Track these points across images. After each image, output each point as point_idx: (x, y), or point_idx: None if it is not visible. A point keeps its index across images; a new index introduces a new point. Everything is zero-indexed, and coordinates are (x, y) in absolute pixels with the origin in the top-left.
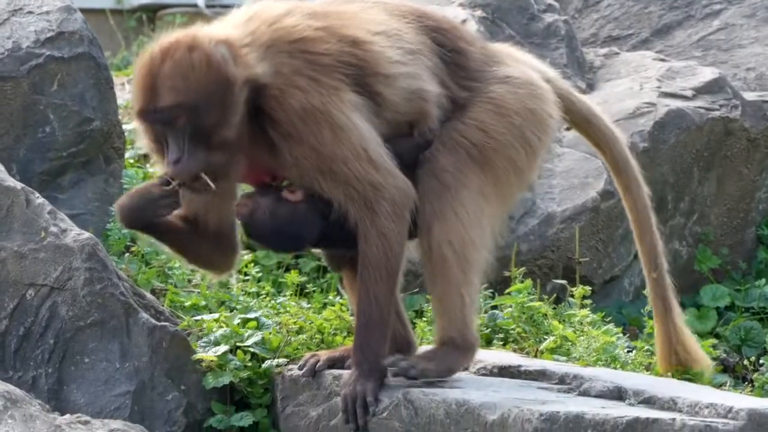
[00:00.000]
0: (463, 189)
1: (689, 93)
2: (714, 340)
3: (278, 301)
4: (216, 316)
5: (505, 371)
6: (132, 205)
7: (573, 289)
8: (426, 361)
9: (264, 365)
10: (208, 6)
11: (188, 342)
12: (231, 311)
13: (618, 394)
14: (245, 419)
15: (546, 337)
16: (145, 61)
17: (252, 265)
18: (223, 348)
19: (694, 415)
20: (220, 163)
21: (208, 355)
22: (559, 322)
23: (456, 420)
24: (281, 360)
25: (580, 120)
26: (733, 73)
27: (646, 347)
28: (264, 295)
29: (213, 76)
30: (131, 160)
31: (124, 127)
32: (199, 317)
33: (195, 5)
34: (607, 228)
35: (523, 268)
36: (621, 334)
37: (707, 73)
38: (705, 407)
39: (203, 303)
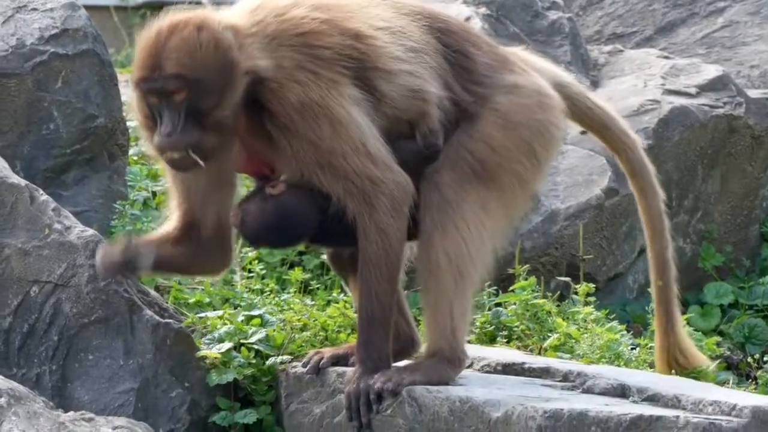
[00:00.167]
0: (465, 204)
1: (693, 90)
2: (718, 338)
3: (282, 298)
4: (220, 313)
5: (509, 368)
6: (113, 263)
7: (577, 286)
8: (412, 373)
9: (268, 362)
10: (212, 3)
11: (192, 339)
12: (235, 308)
13: (622, 391)
14: (249, 416)
15: (550, 334)
16: (152, 34)
17: (256, 262)
18: (227, 345)
19: (697, 413)
20: (211, 145)
21: (212, 352)
22: (563, 319)
23: (460, 417)
24: (285, 357)
25: (597, 125)
26: (737, 70)
27: (650, 344)
28: (268, 292)
29: (218, 59)
30: (135, 157)
31: (128, 124)
32: (203, 314)
33: (199, 2)
34: (611, 225)
35: (527, 265)
36: (625, 332)
37: (711, 71)
38: (709, 404)
39: (207, 300)
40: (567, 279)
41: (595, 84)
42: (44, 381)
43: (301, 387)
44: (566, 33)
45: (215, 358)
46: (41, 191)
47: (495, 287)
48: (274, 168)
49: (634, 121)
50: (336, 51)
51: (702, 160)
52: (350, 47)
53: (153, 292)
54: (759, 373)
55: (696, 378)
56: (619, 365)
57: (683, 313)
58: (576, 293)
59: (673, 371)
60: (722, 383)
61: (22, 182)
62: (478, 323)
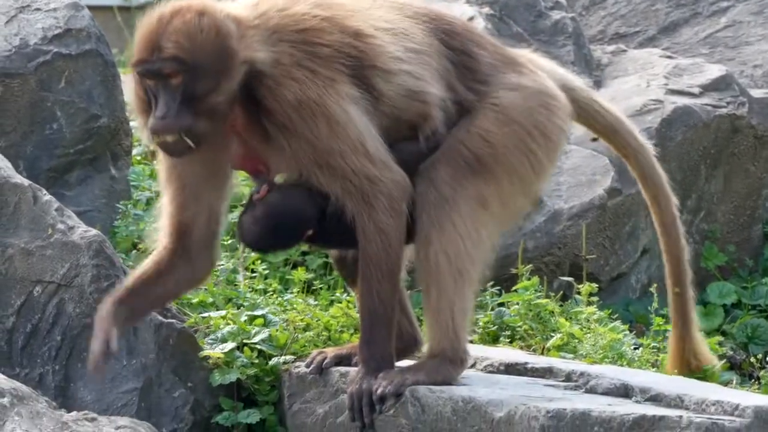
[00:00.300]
0: (461, 200)
1: (696, 90)
2: (720, 338)
3: (285, 298)
4: (223, 313)
5: (512, 368)
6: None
7: (580, 286)
8: (414, 373)
9: (271, 362)
10: None
11: (195, 339)
12: (238, 308)
13: (625, 391)
14: (252, 416)
15: (553, 334)
16: (153, 18)
17: (259, 262)
18: (230, 345)
19: (700, 413)
20: (204, 130)
21: (215, 352)
22: (566, 319)
23: (463, 417)
24: (288, 357)
25: (607, 130)
26: (740, 70)
27: (653, 344)
28: (271, 292)
29: (218, 46)
30: (138, 157)
31: (131, 124)
32: (206, 314)
33: None
34: (614, 225)
35: (530, 265)
36: (628, 332)
37: (714, 71)
38: (711, 404)
39: (210, 300)
40: (570, 279)
41: (598, 84)
42: (47, 381)
43: (304, 387)
44: (569, 33)
45: (218, 358)
46: (44, 191)
47: (498, 287)
48: (269, 166)
49: (637, 121)
50: (335, 49)
51: (705, 160)
52: (349, 45)
53: None
54: (762, 373)
55: (702, 378)
56: (622, 365)
57: None
58: (579, 293)
59: (684, 370)
60: (725, 383)
61: (26, 182)
62: (481, 323)
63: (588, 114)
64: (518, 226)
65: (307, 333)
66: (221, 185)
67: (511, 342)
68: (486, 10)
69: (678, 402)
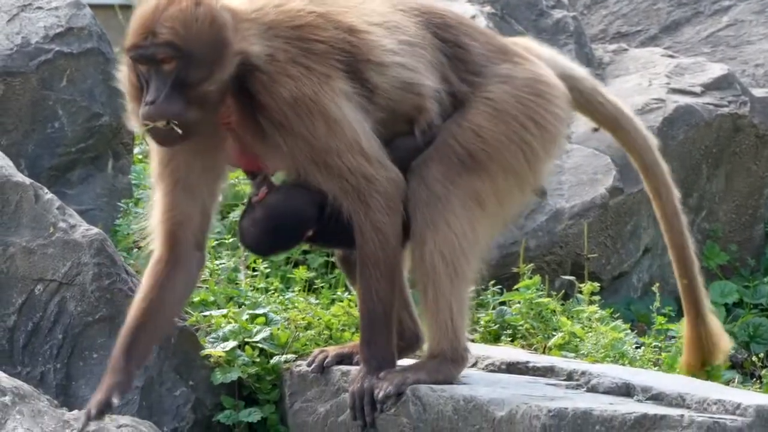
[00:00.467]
0: (455, 198)
1: (698, 89)
2: None
3: (287, 296)
4: (224, 311)
5: (513, 367)
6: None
7: (581, 285)
8: (415, 373)
9: (272, 361)
10: None
11: (196, 338)
12: (239, 307)
13: (626, 390)
14: (253, 415)
15: (554, 333)
16: (149, 4)
17: (260, 260)
18: (231, 344)
19: (702, 412)
20: (193, 119)
21: (217, 350)
22: (568, 318)
23: (464, 416)
24: (289, 356)
25: (608, 121)
26: (742, 69)
27: (655, 343)
28: (272, 291)
29: (213, 35)
30: (140, 156)
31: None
32: (207, 313)
33: None
34: (615, 224)
35: (532, 264)
36: (629, 331)
37: (716, 70)
38: (713, 404)
39: (211, 299)
40: (571, 278)
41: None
42: (49, 379)
43: (306, 386)
44: (571, 32)
45: (219, 356)
46: (46, 190)
47: (499, 286)
48: (261, 165)
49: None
50: (329, 45)
51: (707, 159)
52: (343, 41)
53: None
54: (763, 372)
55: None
56: (623, 364)
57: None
58: (580, 292)
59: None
60: (727, 382)
61: (27, 181)
62: (482, 322)
63: (590, 104)
64: (520, 225)
65: (309, 332)
66: (214, 183)
67: (512, 341)
68: (487, 8)
69: (679, 401)
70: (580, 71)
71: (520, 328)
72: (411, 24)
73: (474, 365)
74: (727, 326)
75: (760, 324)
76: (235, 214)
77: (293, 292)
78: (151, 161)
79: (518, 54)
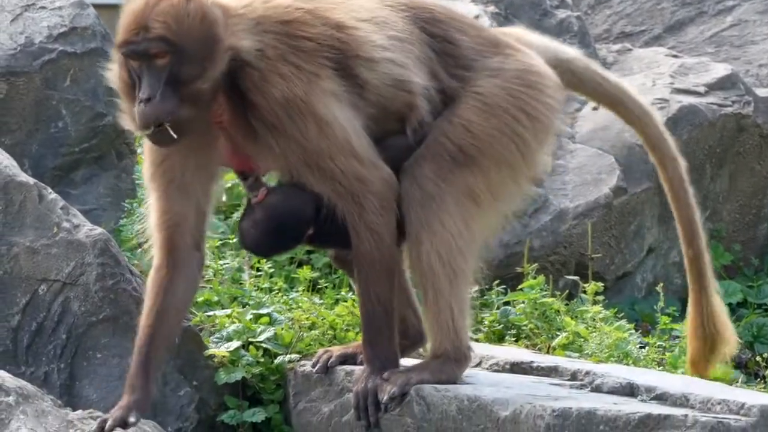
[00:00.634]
0: (448, 197)
1: (702, 89)
2: None
3: (291, 296)
4: (228, 311)
5: (517, 367)
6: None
7: (585, 285)
8: (419, 373)
9: (276, 361)
10: None
11: (200, 338)
12: (243, 307)
13: (630, 390)
14: (257, 415)
15: (558, 333)
16: (140, 1)
17: (264, 260)
18: (235, 344)
19: (706, 412)
20: (187, 118)
21: (221, 350)
22: (572, 318)
23: (468, 416)
24: (293, 356)
25: (609, 99)
26: (746, 69)
27: (659, 343)
28: (276, 291)
29: (204, 30)
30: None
31: None
32: (211, 313)
33: None
34: (619, 224)
35: (536, 264)
36: (633, 331)
37: (720, 70)
38: (717, 404)
39: (215, 299)
40: (575, 278)
41: None
42: (52, 379)
43: (310, 386)
44: (575, 31)
45: (223, 356)
46: (50, 189)
47: (503, 286)
48: (252, 165)
49: None
50: (318, 42)
51: (710, 159)
52: (332, 37)
53: None
54: (767, 372)
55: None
56: (627, 364)
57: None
58: (584, 292)
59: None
60: (731, 382)
61: (31, 180)
62: (486, 322)
63: (586, 83)
64: (524, 225)
65: (313, 331)
66: (208, 183)
67: (516, 341)
68: (491, 8)
69: (683, 401)
70: (572, 52)
71: (524, 328)
72: (399, 19)
73: (478, 365)
74: None
75: (764, 324)
76: (239, 214)
77: (297, 291)
78: (143, 162)
79: (509, 45)
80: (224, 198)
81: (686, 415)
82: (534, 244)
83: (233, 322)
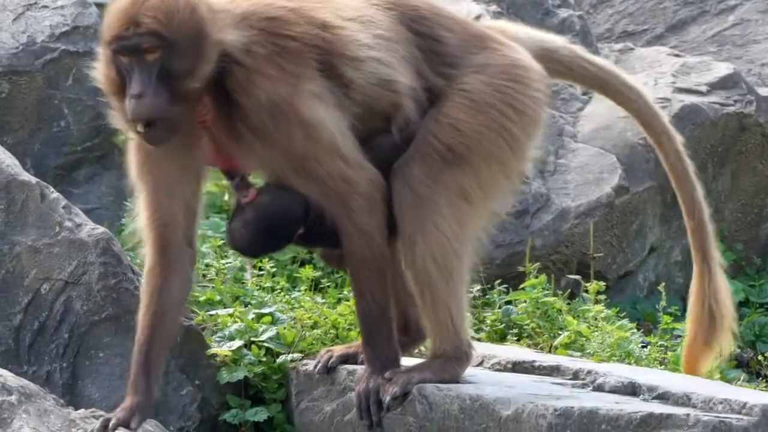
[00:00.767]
0: (440, 198)
1: (704, 88)
2: None
3: (293, 296)
4: (230, 311)
5: (519, 367)
6: None
7: (587, 284)
8: (420, 372)
9: (278, 360)
10: None
11: (203, 337)
12: (245, 306)
13: (632, 389)
14: (260, 414)
15: (560, 332)
16: None
17: (266, 260)
18: (237, 343)
19: (708, 411)
20: (178, 115)
21: (223, 350)
22: (574, 317)
23: (470, 415)
24: (296, 355)
25: (597, 82)
26: (748, 68)
27: (661, 342)
28: (278, 290)
29: (193, 26)
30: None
31: None
32: (213, 312)
33: None
34: (621, 223)
35: (538, 263)
36: (635, 330)
37: (722, 69)
38: (719, 403)
39: (218, 298)
40: (577, 277)
41: None
42: (55, 378)
43: (312, 385)
44: (577, 31)
45: (226, 355)
46: (52, 189)
47: (505, 285)
48: (237, 166)
49: None
50: (303, 41)
51: (712, 158)
52: (317, 37)
53: None
54: None
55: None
56: (629, 363)
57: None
58: (586, 291)
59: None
60: (732, 381)
61: (33, 180)
62: (488, 321)
63: (573, 70)
64: (526, 224)
65: (315, 331)
66: (195, 182)
67: (518, 340)
68: (493, 7)
69: (685, 400)
70: (558, 40)
71: (526, 327)
72: (385, 18)
73: (480, 364)
74: None
75: (766, 323)
76: None
77: (299, 291)
78: (130, 162)
79: (494, 40)
80: (226, 197)
81: (688, 415)
82: (536, 244)
83: (235, 322)
